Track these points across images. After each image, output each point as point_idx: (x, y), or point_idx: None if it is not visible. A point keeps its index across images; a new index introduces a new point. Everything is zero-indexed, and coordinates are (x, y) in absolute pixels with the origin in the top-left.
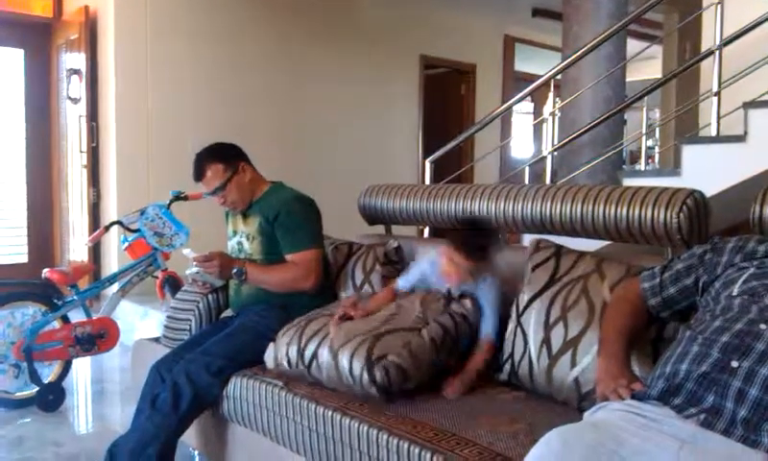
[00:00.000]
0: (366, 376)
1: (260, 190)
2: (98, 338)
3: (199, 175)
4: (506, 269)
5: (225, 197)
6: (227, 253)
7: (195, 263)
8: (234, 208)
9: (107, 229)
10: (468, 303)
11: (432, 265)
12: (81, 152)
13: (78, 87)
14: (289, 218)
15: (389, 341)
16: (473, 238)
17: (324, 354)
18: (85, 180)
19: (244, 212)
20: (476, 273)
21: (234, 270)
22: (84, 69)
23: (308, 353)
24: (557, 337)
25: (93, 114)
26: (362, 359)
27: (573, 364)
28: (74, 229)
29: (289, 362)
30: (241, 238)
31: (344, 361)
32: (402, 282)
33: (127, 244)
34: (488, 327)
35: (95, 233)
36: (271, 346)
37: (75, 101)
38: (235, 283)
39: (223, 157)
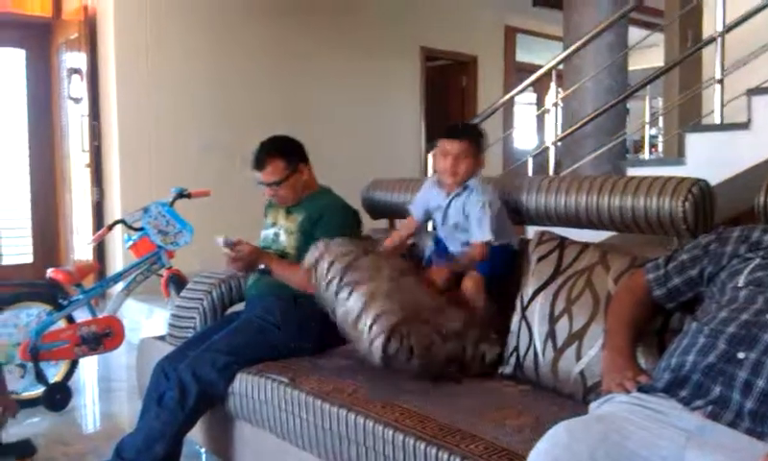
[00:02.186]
0: (379, 340)
1: (310, 191)
2: (103, 337)
3: (259, 165)
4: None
5: (276, 192)
6: (257, 247)
7: (224, 252)
8: (282, 203)
9: (110, 228)
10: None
11: (431, 183)
12: (83, 151)
13: (79, 87)
14: (331, 222)
15: (419, 328)
16: (458, 124)
17: (355, 297)
18: (88, 179)
19: (288, 208)
20: (470, 161)
21: (261, 266)
22: (84, 68)
23: (345, 282)
24: (562, 330)
25: (95, 113)
26: (385, 325)
27: (578, 357)
28: (78, 228)
29: (325, 273)
30: (279, 230)
31: (369, 316)
32: (415, 213)
33: (131, 243)
34: (475, 232)
35: (99, 233)
36: (321, 244)
37: (76, 100)
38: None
39: (286, 153)
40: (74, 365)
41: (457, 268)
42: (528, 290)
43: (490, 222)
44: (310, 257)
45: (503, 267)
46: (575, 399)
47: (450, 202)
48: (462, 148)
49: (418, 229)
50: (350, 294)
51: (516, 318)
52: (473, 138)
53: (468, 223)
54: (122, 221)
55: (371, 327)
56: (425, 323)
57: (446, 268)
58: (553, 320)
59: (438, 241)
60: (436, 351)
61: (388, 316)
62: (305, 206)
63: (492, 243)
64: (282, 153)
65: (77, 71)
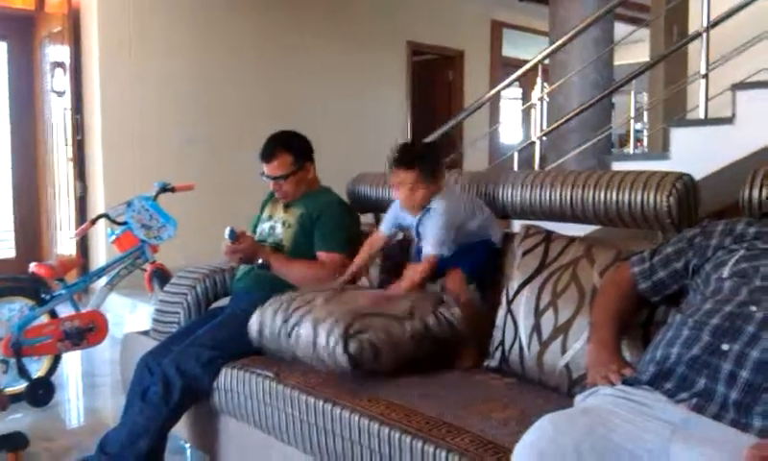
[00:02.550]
0: (340, 346)
1: (312, 189)
2: (87, 332)
3: (267, 157)
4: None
5: (281, 186)
6: (256, 241)
7: (225, 242)
8: (283, 198)
9: (93, 222)
10: (456, 311)
11: (399, 204)
12: (66, 145)
13: (62, 80)
14: (331, 219)
15: (371, 321)
16: (406, 151)
17: (305, 326)
18: (71, 173)
19: (288, 203)
20: (426, 188)
21: (259, 261)
22: (67, 62)
23: (291, 324)
24: (547, 323)
25: (78, 107)
26: (340, 331)
27: (564, 350)
28: (61, 222)
29: (272, 331)
30: (276, 223)
31: (322, 333)
32: (384, 228)
33: (114, 237)
34: (426, 247)
35: (82, 227)
36: (257, 311)
37: (59, 94)
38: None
39: (295, 149)
40: (57, 360)
41: (413, 284)
42: (513, 284)
43: (440, 236)
44: (253, 331)
45: (484, 262)
46: (560, 391)
47: (418, 222)
48: (413, 178)
49: (387, 243)
50: (300, 328)
51: (501, 312)
52: (424, 165)
53: None
54: (105, 215)
55: (327, 342)
56: (376, 315)
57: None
58: (538, 313)
59: (418, 252)
60: (396, 334)
61: (338, 324)
62: (305, 203)
63: (442, 256)
64: (291, 148)
65: (60, 64)
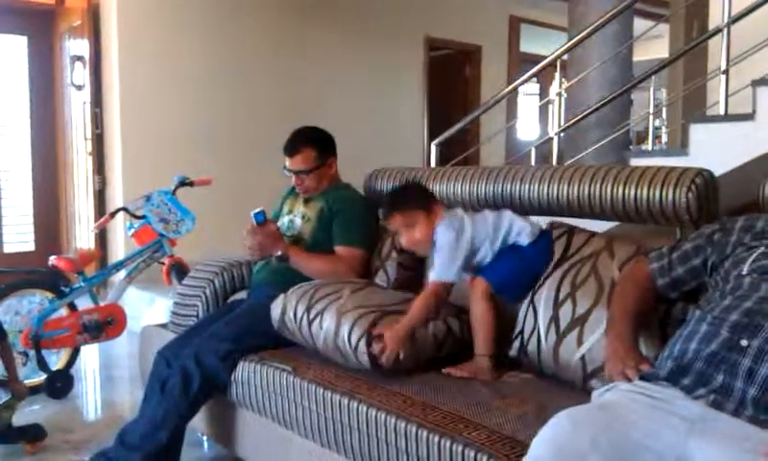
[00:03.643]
0: (363, 344)
1: (332, 185)
2: (105, 325)
3: (291, 152)
4: None
5: (303, 181)
6: (278, 231)
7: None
8: (304, 193)
9: (112, 215)
10: (463, 318)
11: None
12: (85, 139)
13: (82, 74)
14: (351, 213)
15: (395, 320)
16: (391, 199)
17: (328, 318)
18: (91, 167)
19: (307, 198)
20: (420, 228)
21: (278, 253)
22: (87, 56)
23: (314, 312)
24: (565, 315)
25: (97, 101)
26: (362, 329)
27: (580, 342)
28: (80, 216)
29: (294, 316)
30: (295, 217)
31: (345, 327)
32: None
33: (133, 230)
34: (429, 275)
35: (101, 220)
36: (280, 297)
37: (79, 88)
38: (272, 258)
39: (319, 145)
40: (76, 353)
41: (409, 326)
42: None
43: (442, 261)
44: (275, 314)
45: (511, 269)
46: (575, 385)
47: (432, 252)
48: (403, 222)
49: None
50: (322, 318)
51: (525, 303)
52: (409, 205)
53: None
54: (124, 209)
55: (350, 337)
56: (399, 314)
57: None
58: (557, 305)
59: None
60: (420, 334)
61: (362, 321)
62: (325, 198)
63: (451, 282)
64: (316, 144)
65: (79, 58)
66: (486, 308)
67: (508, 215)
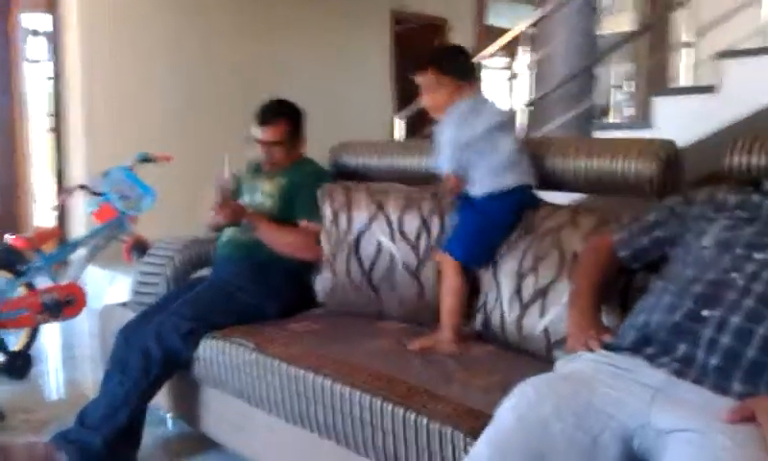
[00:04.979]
0: None
1: (296, 160)
2: (65, 304)
3: (265, 121)
4: None
5: (272, 152)
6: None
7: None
8: (270, 166)
9: (71, 193)
10: None
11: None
12: (47, 116)
13: (40, 49)
14: (314, 189)
15: None
16: (434, 53)
17: None
18: (51, 144)
19: (271, 173)
20: (438, 94)
21: (245, 221)
22: (46, 30)
23: None
24: (528, 287)
25: (57, 77)
26: None
27: (542, 313)
28: (39, 194)
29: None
30: (255, 194)
31: None
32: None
33: (93, 208)
34: (437, 162)
35: (60, 197)
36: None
37: (37, 63)
38: (232, 232)
39: (293, 120)
40: (35, 332)
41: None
42: (501, 249)
43: (444, 153)
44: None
45: (481, 239)
46: (539, 356)
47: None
48: (430, 81)
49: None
50: None
51: (487, 275)
52: (447, 67)
53: None
54: (84, 186)
55: None
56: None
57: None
58: (520, 277)
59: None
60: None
61: None
62: (289, 174)
63: (449, 174)
64: (290, 117)
65: (36, 33)
66: (458, 284)
67: (507, 149)
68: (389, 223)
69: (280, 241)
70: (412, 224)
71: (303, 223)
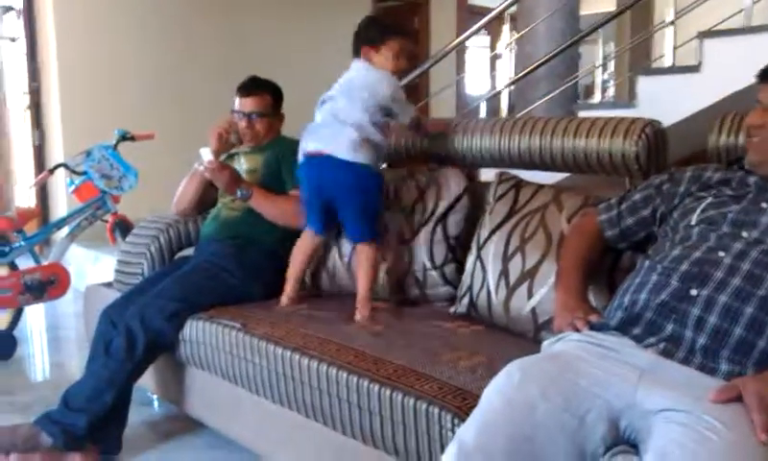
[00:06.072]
0: None
1: (275, 138)
2: (48, 285)
3: (248, 91)
4: None
5: (253, 125)
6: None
7: (205, 164)
8: (249, 140)
9: (51, 172)
10: None
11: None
12: (23, 93)
13: (14, 25)
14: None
15: None
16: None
17: None
18: (28, 122)
19: (248, 151)
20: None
21: (241, 190)
22: (20, 5)
23: None
24: (515, 268)
25: (33, 53)
26: None
27: (530, 295)
28: (18, 173)
29: None
30: (239, 167)
31: None
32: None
33: (74, 187)
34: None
35: (40, 176)
36: None
37: (12, 40)
38: (222, 209)
39: (277, 96)
40: (18, 313)
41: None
42: (484, 231)
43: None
44: None
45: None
46: (527, 337)
47: None
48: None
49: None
50: None
51: (471, 258)
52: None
53: None
54: (64, 165)
55: None
56: None
57: None
58: (507, 259)
59: None
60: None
61: None
62: (272, 148)
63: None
64: (273, 93)
65: (10, 9)
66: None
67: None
68: None
69: (273, 209)
70: None
71: (293, 191)
